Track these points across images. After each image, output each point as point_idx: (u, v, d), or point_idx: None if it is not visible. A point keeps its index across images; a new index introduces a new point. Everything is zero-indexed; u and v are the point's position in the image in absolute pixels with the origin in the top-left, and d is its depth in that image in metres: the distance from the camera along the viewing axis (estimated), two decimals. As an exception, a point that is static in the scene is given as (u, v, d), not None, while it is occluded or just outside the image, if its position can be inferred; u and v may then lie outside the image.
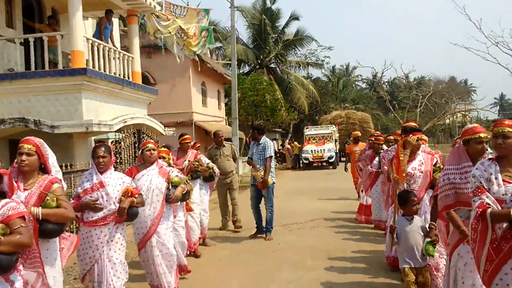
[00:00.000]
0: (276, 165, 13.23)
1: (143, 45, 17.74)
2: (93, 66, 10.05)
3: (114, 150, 9.81)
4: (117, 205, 4.25)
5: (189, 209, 6.40)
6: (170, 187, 5.10)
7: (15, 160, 3.47)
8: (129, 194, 4.29)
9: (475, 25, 17.14)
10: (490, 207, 2.88)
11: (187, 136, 7.31)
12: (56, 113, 9.56)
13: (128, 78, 11.74)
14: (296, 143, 29.17)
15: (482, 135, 3.42)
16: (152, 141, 5.86)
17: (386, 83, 48.95)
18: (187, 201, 5.99)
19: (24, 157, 3.39)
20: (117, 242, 4.33)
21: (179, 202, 5.48)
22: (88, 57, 10.03)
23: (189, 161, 6.97)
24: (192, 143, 7.77)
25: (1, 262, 2.72)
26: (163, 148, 6.06)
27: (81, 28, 9.81)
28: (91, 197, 4.21)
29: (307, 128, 29.05)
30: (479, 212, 2.90)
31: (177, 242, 5.58)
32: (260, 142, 7.95)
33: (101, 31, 11.07)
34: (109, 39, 11.34)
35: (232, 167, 8.77)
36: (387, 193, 6.29)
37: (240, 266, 6.44)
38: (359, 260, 6.34)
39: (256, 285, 5.64)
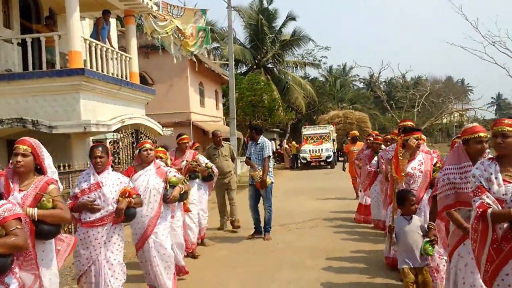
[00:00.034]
0: (274, 165, 13.13)
1: (141, 45, 17.70)
2: (91, 67, 10.03)
3: (112, 150, 9.84)
4: (115, 205, 4.20)
5: (186, 210, 6.38)
6: (168, 187, 5.08)
7: (10, 161, 3.44)
8: (127, 195, 4.25)
9: (471, 24, 17.30)
10: (490, 207, 2.85)
11: (185, 136, 7.29)
12: (54, 113, 9.53)
13: (126, 78, 11.72)
14: (294, 142, 29.18)
15: (481, 134, 3.40)
16: (150, 141, 5.82)
17: (383, 83, 49.00)
18: (185, 201, 5.97)
19: (19, 158, 3.35)
20: (114, 243, 4.29)
21: (177, 202, 5.44)
22: (85, 57, 10.01)
23: (187, 161, 6.93)
24: (191, 143, 7.77)
25: None
26: (160, 148, 6.02)
27: (78, 28, 9.79)
28: (88, 197, 4.16)
29: (305, 128, 29.06)
30: (479, 212, 2.87)
31: (174, 242, 5.56)
32: (258, 142, 7.93)
33: (98, 32, 11.05)
34: (107, 40, 11.32)
35: (230, 167, 8.76)
36: (385, 193, 6.30)
37: (239, 266, 6.43)
38: (358, 260, 6.33)
39: (256, 286, 5.64)
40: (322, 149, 25.54)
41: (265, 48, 35.76)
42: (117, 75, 11.23)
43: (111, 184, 4.27)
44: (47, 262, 3.44)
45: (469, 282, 3.27)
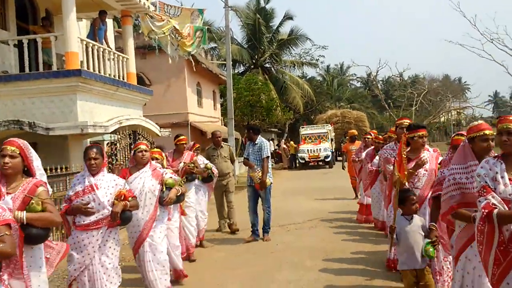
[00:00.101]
0: (272, 165, 13.03)
1: (138, 46, 17.67)
2: (88, 67, 9.99)
3: (109, 152, 9.79)
4: (110, 208, 4.09)
5: (182, 213, 6.21)
6: (164, 189, 4.99)
7: None
8: (122, 198, 4.15)
9: (470, 22, 17.25)
10: (496, 208, 2.74)
11: (182, 137, 7.18)
12: (51, 115, 9.49)
13: (123, 79, 11.68)
14: (292, 142, 29.16)
15: (487, 132, 3.30)
16: (145, 142, 5.74)
17: (381, 82, 49.02)
18: (181, 204, 5.87)
19: (7, 160, 3.22)
20: (110, 247, 4.19)
21: (174, 204, 5.37)
22: (82, 58, 9.97)
23: (184, 163, 6.83)
24: (191, 144, 7.71)
25: None
26: (155, 149, 5.93)
27: (75, 29, 9.75)
28: (82, 200, 4.06)
29: (302, 127, 29.02)
30: (485, 213, 2.76)
31: (170, 243, 5.47)
32: (256, 142, 7.86)
33: (95, 32, 11.01)
34: (103, 40, 11.28)
35: (229, 169, 8.69)
36: (384, 192, 6.27)
37: (239, 267, 6.39)
38: (358, 261, 6.29)
39: (256, 287, 5.60)
40: (320, 149, 25.52)
41: (262, 47, 35.72)
42: (114, 76, 11.19)
43: (106, 186, 4.16)
44: (36, 268, 3.30)
45: (478, 286, 3.17)
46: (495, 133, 3.21)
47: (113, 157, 9.81)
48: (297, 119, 38.82)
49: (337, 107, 42.34)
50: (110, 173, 4.43)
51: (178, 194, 5.16)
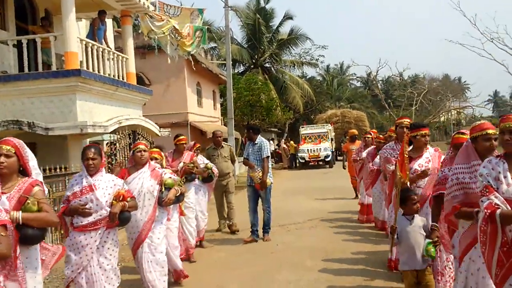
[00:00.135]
0: (272, 164, 12.94)
1: (137, 45, 17.65)
2: (87, 67, 9.96)
3: (109, 152, 9.76)
4: (108, 209, 4.04)
5: (181, 214, 6.15)
6: (163, 190, 4.95)
7: None
8: (121, 198, 4.09)
9: (470, 21, 17.20)
10: (499, 208, 2.71)
11: (182, 137, 7.13)
12: (50, 115, 9.47)
13: (123, 79, 11.66)
14: (292, 142, 29.13)
15: (489, 131, 3.27)
16: (144, 142, 5.69)
17: (381, 82, 49.01)
18: (180, 204, 5.83)
19: (2, 159, 3.17)
20: (108, 248, 4.14)
21: (173, 204, 5.32)
22: (82, 58, 9.95)
23: (184, 163, 6.78)
24: (192, 143, 7.68)
25: None
26: (155, 149, 5.86)
27: (74, 29, 9.73)
28: (80, 200, 4.01)
29: (302, 127, 29.00)
30: (487, 213, 2.73)
31: (169, 243, 5.43)
32: (256, 142, 7.81)
33: (94, 32, 10.99)
34: (103, 40, 11.25)
35: (229, 169, 8.66)
36: (385, 192, 6.24)
37: (239, 267, 6.37)
38: (358, 260, 6.27)
39: (256, 287, 5.58)
40: (320, 149, 25.50)
41: (262, 47, 35.70)
42: (113, 76, 11.17)
43: (105, 186, 4.11)
44: (32, 269, 3.24)
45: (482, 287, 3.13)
46: (497, 133, 3.17)
47: (112, 157, 9.78)
48: (297, 119, 38.80)
49: (337, 107, 42.35)
50: (108, 173, 4.39)
51: (178, 194, 5.12)
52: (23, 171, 3.34)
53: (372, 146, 8.60)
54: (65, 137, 9.55)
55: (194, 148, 7.55)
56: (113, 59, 11.32)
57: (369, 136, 9.43)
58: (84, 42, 10.05)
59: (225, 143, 9.16)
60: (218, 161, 8.40)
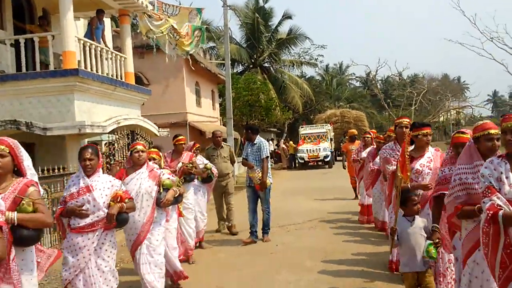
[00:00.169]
0: (271, 165, 12.87)
1: (136, 45, 17.59)
2: (85, 67, 9.91)
3: (107, 151, 9.71)
4: (106, 210, 3.98)
5: (179, 215, 6.07)
6: (161, 190, 4.89)
7: None
8: (119, 199, 4.04)
9: (469, 20, 17.17)
10: (501, 209, 2.67)
11: (181, 137, 7.05)
12: (48, 114, 9.41)
13: (121, 78, 11.61)
14: (291, 142, 29.09)
15: (491, 131, 3.22)
16: (142, 142, 5.64)
17: (380, 81, 49.01)
18: (179, 205, 5.77)
19: None
20: (106, 250, 4.09)
21: (172, 205, 5.25)
22: (80, 57, 9.89)
23: (182, 163, 6.72)
24: (192, 143, 7.63)
25: None
26: (153, 149, 5.80)
27: (72, 28, 9.67)
28: (76, 202, 3.95)
29: (302, 127, 28.96)
30: (490, 214, 2.69)
31: (168, 244, 5.39)
32: (255, 142, 7.75)
33: (92, 31, 10.93)
34: (101, 39, 11.20)
35: (229, 170, 8.60)
36: (385, 192, 6.19)
37: (238, 268, 6.34)
38: (358, 262, 6.23)
39: (256, 287, 5.54)
40: (319, 149, 25.44)
41: (261, 47, 35.68)
42: (112, 76, 11.11)
43: (102, 187, 4.05)
44: (27, 272, 3.20)
45: None
46: (500, 132, 3.13)
47: (111, 157, 9.73)
48: (296, 119, 38.81)
49: (336, 107, 42.35)
50: (106, 174, 4.33)
51: (176, 195, 5.06)
52: (18, 171, 3.28)
53: (373, 146, 8.56)
54: (63, 137, 9.49)
55: (194, 148, 7.49)
56: (111, 58, 11.27)
57: (368, 136, 9.40)
58: (82, 42, 10.00)
59: (225, 143, 9.10)
60: (218, 162, 8.34)
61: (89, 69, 9.97)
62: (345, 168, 12.75)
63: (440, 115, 35.31)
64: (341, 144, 20.07)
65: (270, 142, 29.56)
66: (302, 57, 40.34)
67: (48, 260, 3.52)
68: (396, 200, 4.32)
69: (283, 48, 37.86)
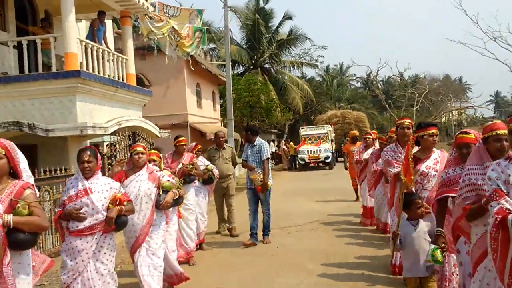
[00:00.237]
0: (272, 166, 12.91)
1: (137, 47, 17.64)
2: (87, 68, 9.95)
3: (109, 153, 9.75)
4: (105, 213, 3.95)
5: (179, 217, 6.06)
6: (161, 192, 4.87)
7: None
8: (117, 202, 4.01)
9: (472, 20, 17.17)
10: (511, 213, 2.59)
11: (182, 138, 7.07)
12: (51, 116, 9.45)
13: (123, 80, 11.64)
14: (292, 143, 29.08)
15: (500, 131, 3.15)
16: (142, 144, 5.63)
17: (381, 82, 48.98)
18: (179, 207, 5.77)
19: None
20: (105, 253, 4.06)
21: (172, 207, 5.24)
22: (82, 59, 9.93)
23: (182, 164, 6.72)
24: (193, 144, 7.64)
25: None
26: (153, 151, 5.79)
27: (74, 30, 9.71)
28: (75, 204, 3.91)
29: (302, 128, 28.92)
30: (498, 219, 2.59)
31: (168, 246, 5.39)
32: (255, 144, 7.73)
33: (94, 33, 10.97)
34: (103, 41, 11.24)
35: (230, 171, 8.59)
36: (387, 194, 6.17)
37: (238, 270, 6.35)
38: (360, 265, 6.22)
39: (256, 290, 5.57)
40: (320, 150, 25.37)
41: (261, 48, 35.69)
42: (113, 77, 11.15)
43: (100, 190, 4.03)
44: (24, 275, 3.16)
45: None
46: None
47: (112, 158, 9.77)
48: (296, 120, 38.79)
49: (337, 108, 42.31)
50: (104, 176, 4.31)
51: (176, 197, 5.04)
52: (14, 174, 3.25)
53: (377, 147, 8.55)
54: (65, 138, 9.53)
55: (195, 150, 7.51)
56: (112, 60, 11.31)
57: (369, 136, 9.40)
58: (84, 43, 10.03)
59: (228, 145, 9.11)
60: (219, 163, 8.34)
61: (91, 71, 10.00)
62: (347, 169, 12.74)
63: (442, 116, 35.24)
64: (342, 145, 20.06)
65: (271, 143, 29.57)
66: (302, 58, 40.35)
67: (43, 264, 3.50)
68: (399, 204, 4.22)
69: (284, 49, 37.87)
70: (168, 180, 4.99)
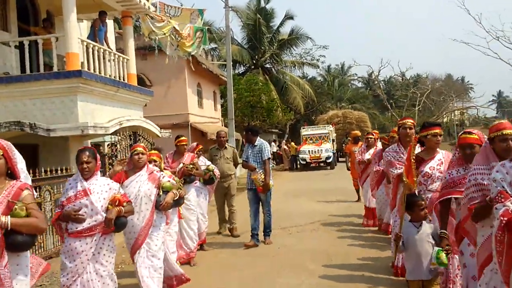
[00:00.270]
0: (273, 166, 12.93)
1: (138, 47, 17.64)
2: (88, 68, 9.95)
3: (110, 153, 9.75)
4: (104, 214, 3.92)
5: (179, 217, 6.07)
6: (161, 193, 4.84)
7: None
8: (117, 203, 3.99)
9: (474, 19, 17.13)
10: None
11: (183, 138, 7.06)
12: (52, 116, 9.45)
13: (124, 80, 11.64)
14: (293, 143, 29.06)
15: (505, 131, 3.11)
16: (142, 144, 5.60)
17: (382, 82, 48.93)
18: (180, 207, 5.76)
19: None
20: (104, 255, 4.04)
21: (172, 208, 5.22)
22: (83, 59, 9.93)
23: (183, 164, 6.70)
24: (194, 144, 7.63)
25: None
26: (153, 151, 5.76)
27: (75, 30, 9.71)
28: (74, 206, 3.88)
29: (303, 128, 28.90)
30: (504, 221, 2.55)
31: (168, 247, 5.39)
32: (256, 144, 7.70)
33: (95, 33, 10.97)
34: (104, 41, 11.24)
35: (231, 171, 8.56)
36: (389, 195, 6.14)
37: (239, 270, 6.34)
38: (361, 266, 6.20)
39: (257, 291, 5.56)
40: (321, 150, 25.34)
41: (263, 48, 35.66)
42: (114, 77, 11.15)
43: (100, 191, 4.00)
44: (23, 276, 3.12)
45: None
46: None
47: (113, 158, 9.77)
48: (298, 120, 38.77)
49: (338, 108, 42.27)
50: (104, 177, 4.29)
51: (177, 198, 5.01)
52: (11, 174, 3.21)
53: (379, 148, 8.54)
54: (66, 138, 9.53)
55: (197, 150, 7.50)
56: (114, 60, 11.31)
57: (371, 136, 9.38)
58: (85, 43, 10.04)
59: (230, 145, 9.10)
60: (220, 162, 8.32)
61: (92, 71, 10.01)
62: (349, 170, 12.71)
63: (444, 115, 35.15)
64: (343, 145, 20.03)
65: (272, 143, 29.56)
66: (303, 58, 40.30)
67: (40, 267, 3.47)
68: (401, 205, 4.17)
69: (285, 49, 37.85)
70: (169, 181, 4.97)
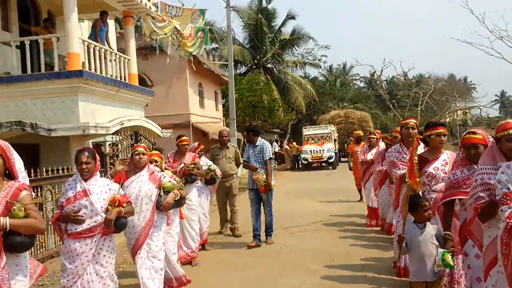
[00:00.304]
0: (274, 166, 12.90)
1: (140, 47, 17.61)
2: (89, 68, 9.93)
3: (111, 153, 9.73)
4: (103, 215, 3.89)
5: (180, 217, 6.02)
6: (162, 193, 4.81)
7: None
8: (117, 204, 3.95)
9: (478, 19, 17.02)
10: None
11: (184, 138, 7.04)
12: (53, 116, 9.45)
13: (125, 80, 11.63)
14: (294, 143, 29.03)
15: (511, 131, 3.07)
16: (143, 144, 5.56)
17: (384, 82, 48.83)
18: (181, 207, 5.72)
19: None
20: (104, 255, 4.00)
21: (173, 209, 5.19)
22: (84, 59, 9.91)
23: (184, 164, 6.68)
24: (196, 144, 7.61)
25: None
26: (154, 151, 5.73)
27: (77, 30, 9.70)
28: (73, 206, 3.85)
29: (305, 128, 28.89)
30: (510, 223, 2.51)
31: (169, 248, 5.36)
32: (257, 144, 7.67)
33: (96, 33, 10.96)
34: (105, 41, 11.23)
35: (233, 170, 8.54)
36: (392, 196, 6.10)
37: (241, 270, 6.32)
38: (364, 266, 6.16)
39: (259, 291, 5.53)
40: (323, 150, 25.31)
41: (264, 48, 35.62)
42: (115, 77, 11.14)
43: (99, 191, 3.96)
44: (22, 277, 3.10)
45: None
46: None
47: (114, 158, 9.75)
48: (299, 120, 38.72)
49: (340, 108, 42.26)
50: (103, 178, 4.26)
51: (178, 198, 4.98)
52: (9, 174, 3.18)
53: (381, 147, 8.50)
54: (67, 138, 9.52)
55: (198, 150, 7.47)
56: (115, 60, 11.30)
57: (373, 136, 9.34)
58: (86, 43, 10.02)
59: (232, 144, 9.07)
60: (222, 162, 8.30)
61: (93, 71, 10.00)
62: (351, 170, 12.67)
63: (447, 115, 35.00)
64: (345, 145, 20.00)
65: (275, 143, 29.53)
66: (305, 58, 40.25)
67: (38, 267, 3.45)
68: (404, 206, 4.12)
69: (287, 49, 37.79)
70: (170, 181, 4.94)
